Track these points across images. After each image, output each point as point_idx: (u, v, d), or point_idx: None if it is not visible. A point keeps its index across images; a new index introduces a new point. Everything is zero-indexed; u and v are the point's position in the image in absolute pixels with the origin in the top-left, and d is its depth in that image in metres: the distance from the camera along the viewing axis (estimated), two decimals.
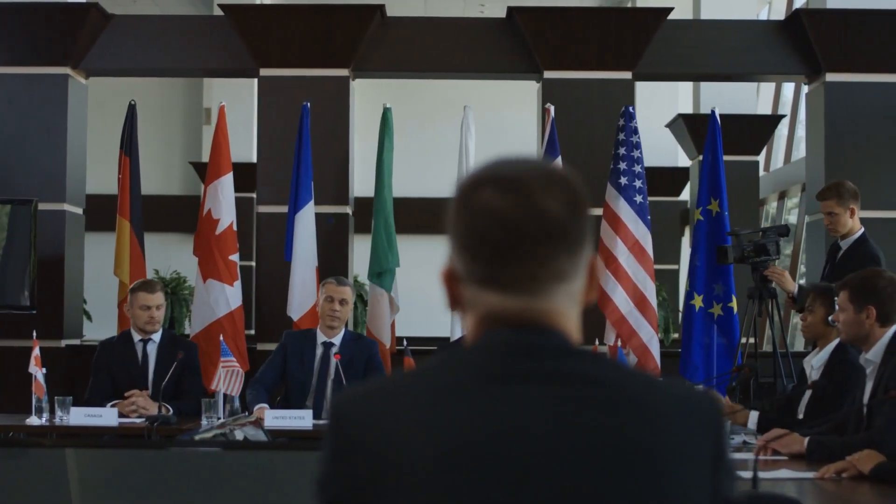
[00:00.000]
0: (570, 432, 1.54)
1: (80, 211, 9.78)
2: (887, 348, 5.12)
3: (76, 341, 9.70)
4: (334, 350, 7.24)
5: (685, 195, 16.87)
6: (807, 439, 5.08)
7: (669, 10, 9.66)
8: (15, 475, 5.79)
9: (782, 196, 15.68)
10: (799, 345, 12.15)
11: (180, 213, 17.86)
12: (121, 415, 6.82)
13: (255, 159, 15.08)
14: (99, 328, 11.70)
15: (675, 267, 15.93)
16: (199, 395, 7.30)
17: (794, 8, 15.20)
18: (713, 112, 8.87)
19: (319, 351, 7.28)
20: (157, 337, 7.38)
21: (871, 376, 5.16)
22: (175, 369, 7.16)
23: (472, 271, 1.65)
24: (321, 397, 7.22)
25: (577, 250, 1.65)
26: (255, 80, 15.58)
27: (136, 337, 7.36)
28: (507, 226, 1.61)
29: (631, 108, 8.73)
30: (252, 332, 10.05)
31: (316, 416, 7.02)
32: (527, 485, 1.52)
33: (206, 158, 17.28)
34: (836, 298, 5.47)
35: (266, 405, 6.92)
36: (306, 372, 7.26)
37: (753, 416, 5.90)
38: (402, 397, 1.61)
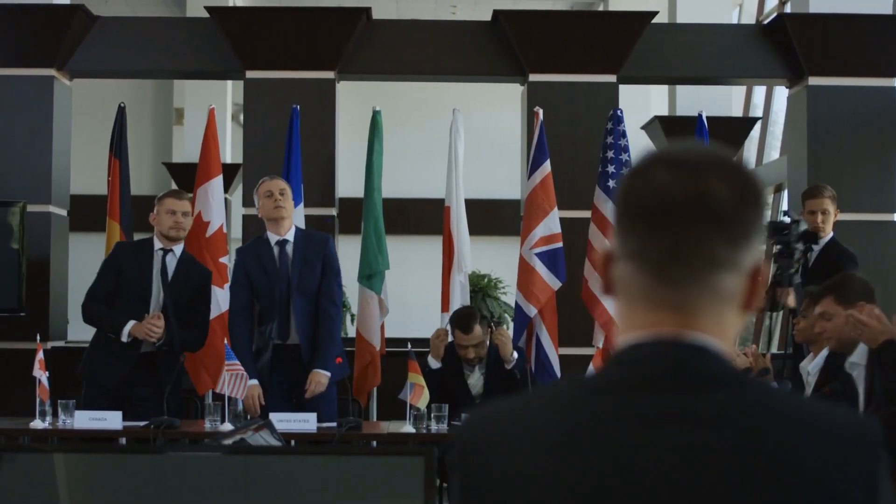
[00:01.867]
0: (706, 495, 1.46)
1: (64, 213, 9.75)
2: None
3: (61, 343, 9.66)
4: (288, 247, 7.14)
5: None
6: None
7: (654, 13, 9.74)
8: (16, 481, 5.77)
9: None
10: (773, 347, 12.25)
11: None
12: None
13: (229, 160, 15.14)
14: (78, 330, 11.63)
15: None
16: (204, 326, 7.29)
17: (765, 11, 15.34)
18: (700, 115, 8.98)
19: (276, 251, 7.17)
20: (177, 250, 7.24)
21: None
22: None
23: (625, 244, 1.58)
24: (283, 304, 7.12)
25: (739, 240, 1.54)
26: (228, 82, 15.66)
27: (158, 245, 7.20)
28: (665, 199, 1.53)
29: (619, 111, 8.78)
30: None
31: (283, 330, 7.07)
32: None
33: (176, 159, 17.28)
34: None
35: (256, 381, 6.94)
36: (270, 277, 7.14)
37: None
38: (532, 432, 1.55)
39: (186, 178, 14.85)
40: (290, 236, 7.20)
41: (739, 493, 1.45)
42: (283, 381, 7.15)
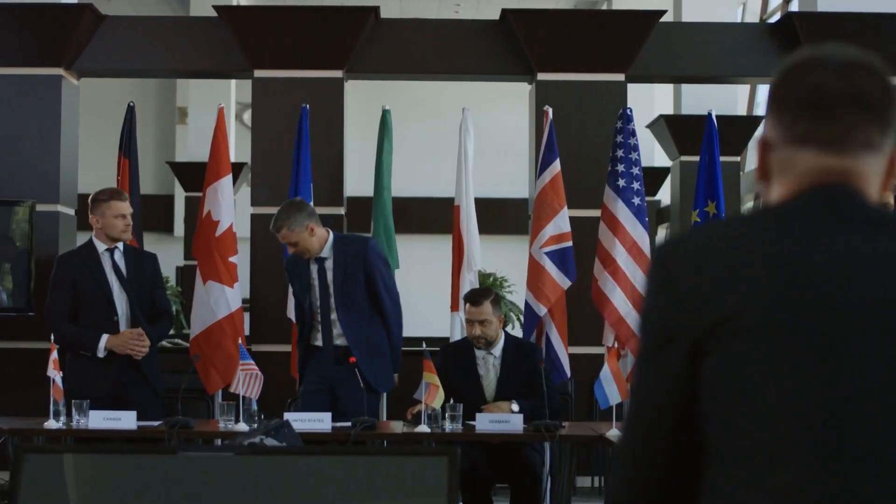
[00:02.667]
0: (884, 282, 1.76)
1: (72, 212, 9.73)
2: None
3: None
4: (328, 263, 7.16)
5: (659, 195, 16.98)
6: None
7: (662, 12, 9.74)
8: (31, 481, 5.77)
9: (758, 197, 15.80)
10: None
11: (154, 213, 17.78)
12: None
13: (233, 158, 15.12)
14: None
15: None
16: (170, 311, 7.47)
17: (769, 9, 15.35)
18: (710, 114, 8.97)
19: (315, 268, 7.19)
20: (120, 245, 7.29)
21: None
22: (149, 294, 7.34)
23: (791, 129, 1.88)
24: (326, 317, 7.19)
25: (886, 128, 1.87)
26: (233, 81, 15.66)
27: (102, 247, 7.24)
28: (827, 92, 1.85)
29: (629, 110, 8.76)
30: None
31: (325, 339, 7.17)
32: (855, 315, 1.74)
33: (180, 158, 17.29)
34: None
35: None
36: (307, 290, 7.22)
37: None
38: (721, 235, 1.85)
39: (190, 176, 14.90)
40: (327, 252, 7.16)
41: None
42: (320, 382, 7.18)
